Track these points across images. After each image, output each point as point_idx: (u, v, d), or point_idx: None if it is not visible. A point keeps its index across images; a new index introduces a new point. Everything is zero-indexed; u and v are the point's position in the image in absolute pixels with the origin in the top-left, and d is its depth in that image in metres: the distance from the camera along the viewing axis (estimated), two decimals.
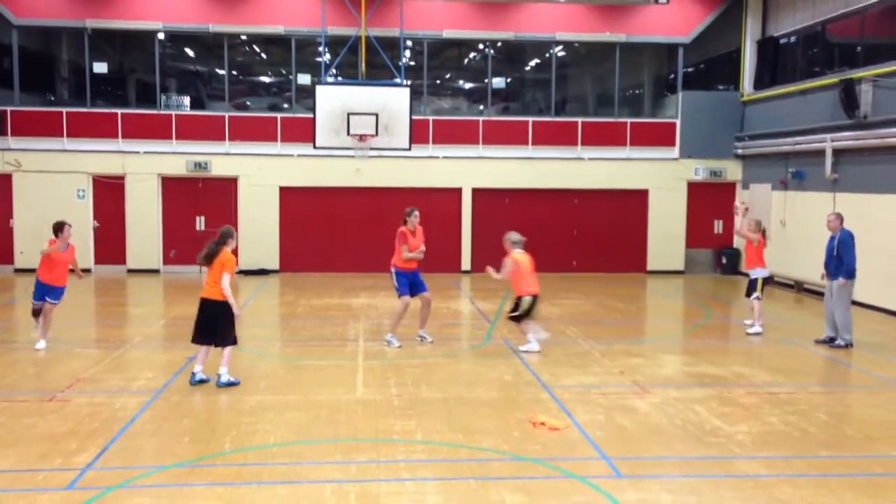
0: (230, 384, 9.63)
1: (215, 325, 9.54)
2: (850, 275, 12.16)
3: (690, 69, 22.84)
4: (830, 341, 12.43)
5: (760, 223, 13.98)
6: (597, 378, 10.45)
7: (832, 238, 12.42)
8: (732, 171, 21.89)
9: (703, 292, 18.99)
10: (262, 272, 20.95)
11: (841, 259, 12.17)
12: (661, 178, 21.78)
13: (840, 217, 12.54)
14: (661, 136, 21.87)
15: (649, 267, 21.95)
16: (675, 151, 21.86)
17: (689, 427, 8.37)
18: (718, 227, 22.11)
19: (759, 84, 21.19)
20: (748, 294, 13.69)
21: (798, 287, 18.60)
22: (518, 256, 11.97)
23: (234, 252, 9.89)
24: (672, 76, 22.75)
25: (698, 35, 21.73)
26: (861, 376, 11.03)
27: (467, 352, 12.23)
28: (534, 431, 8.16)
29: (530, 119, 21.81)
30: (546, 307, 16.02)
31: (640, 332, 14.79)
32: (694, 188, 21.95)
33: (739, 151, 21.63)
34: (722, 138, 21.70)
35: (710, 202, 21.91)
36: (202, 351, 9.74)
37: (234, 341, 9.79)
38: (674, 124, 21.88)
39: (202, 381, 9.67)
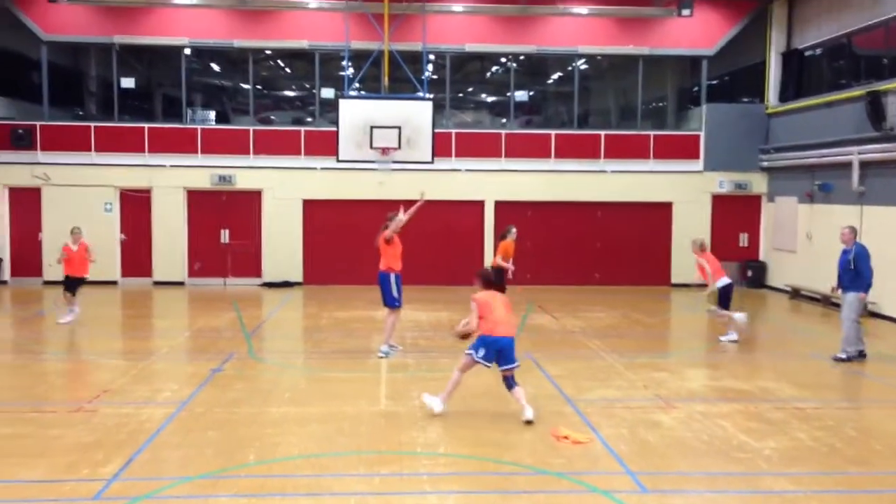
0: None
1: None
2: (869, 288, 12.13)
3: (714, 81, 22.74)
4: (860, 355, 12.28)
5: (699, 241, 14.01)
6: (620, 392, 10.38)
7: (845, 251, 12.35)
8: (758, 183, 21.74)
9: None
10: (286, 284, 21.06)
11: (858, 272, 12.10)
12: (685, 190, 21.68)
13: (854, 230, 12.51)
14: (685, 149, 21.78)
15: (673, 280, 21.81)
16: (699, 164, 21.75)
17: (715, 442, 8.29)
18: (744, 240, 21.95)
19: (784, 96, 21.06)
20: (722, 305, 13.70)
21: (825, 301, 18.39)
22: None
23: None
24: (696, 88, 22.66)
25: (722, 47, 21.65)
26: (888, 390, 10.87)
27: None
28: (557, 445, 8.12)
29: (553, 132, 21.81)
30: (569, 320, 16.00)
31: (664, 346, 14.68)
32: (718, 201, 21.81)
33: (765, 164, 21.48)
34: (747, 151, 21.57)
35: (735, 215, 21.78)
36: None
37: None
38: (698, 137, 21.79)
39: None
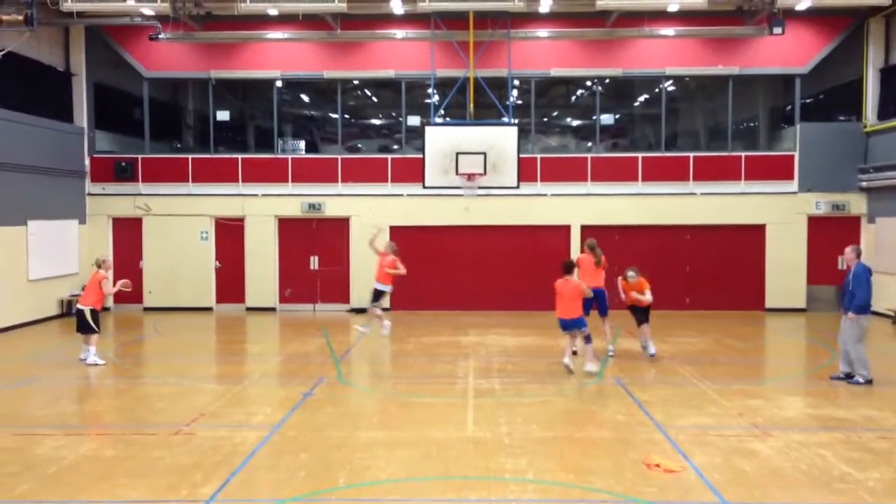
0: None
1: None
2: (863, 309, 11.89)
3: (809, 100, 22.08)
4: (847, 377, 12.15)
5: (393, 245, 16.80)
6: (714, 419, 10.12)
7: (849, 271, 12.19)
8: (856, 204, 20.94)
9: (827, 331, 18.09)
10: None
11: (854, 293, 11.89)
12: (779, 212, 21.05)
13: (857, 250, 12.35)
14: (779, 170, 21.18)
15: (768, 304, 21.15)
16: (793, 185, 21.10)
17: (815, 472, 7.98)
18: (842, 262, 21.13)
19: (883, 114, 20.28)
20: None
21: None
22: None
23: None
24: (789, 108, 22.05)
25: (817, 65, 21.03)
26: None
27: (578, 390, 12.07)
28: (648, 473, 7.96)
29: (640, 155, 21.55)
30: (659, 345, 15.67)
31: (760, 373, 14.23)
32: (815, 222, 21.09)
33: (864, 184, 20.68)
34: (844, 171, 20.81)
35: (832, 237, 20.99)
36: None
37: None
38: (792, 157, 21.16)
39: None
